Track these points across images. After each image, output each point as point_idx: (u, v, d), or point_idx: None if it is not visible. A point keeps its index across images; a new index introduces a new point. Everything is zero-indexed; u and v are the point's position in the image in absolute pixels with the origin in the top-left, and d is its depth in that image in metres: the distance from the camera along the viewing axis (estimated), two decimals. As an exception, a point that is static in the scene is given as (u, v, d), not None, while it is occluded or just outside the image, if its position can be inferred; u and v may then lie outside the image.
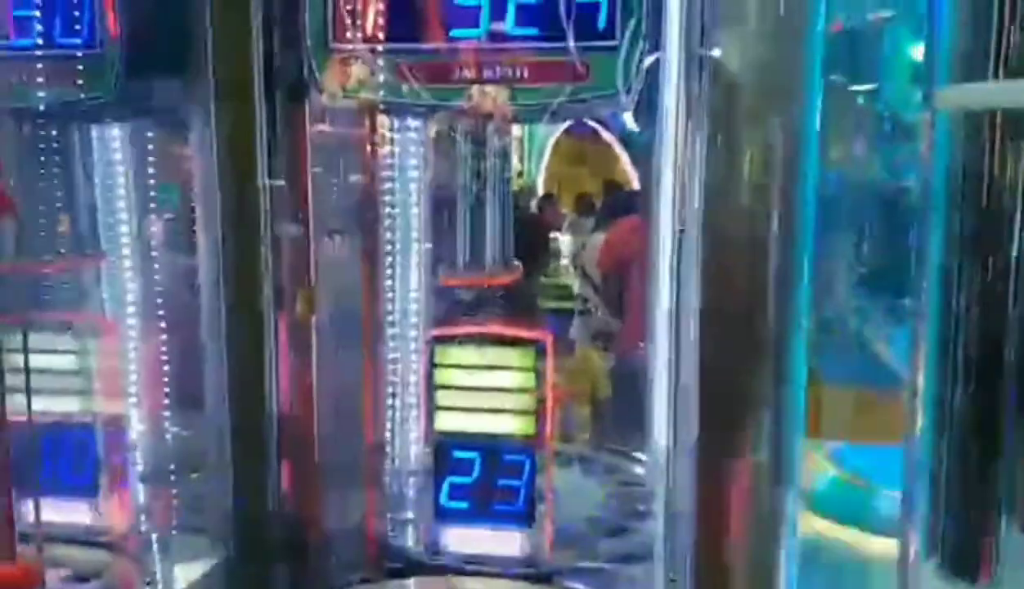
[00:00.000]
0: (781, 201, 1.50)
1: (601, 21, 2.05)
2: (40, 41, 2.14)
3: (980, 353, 1.00)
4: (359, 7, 2.16)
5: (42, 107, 2.18)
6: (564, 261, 6.78)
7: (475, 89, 2.17)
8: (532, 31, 2.09)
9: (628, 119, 3.15)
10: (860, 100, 2.45)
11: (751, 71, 1.60)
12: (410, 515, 2.48)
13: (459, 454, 2.31)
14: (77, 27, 2.16)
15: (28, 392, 1.74)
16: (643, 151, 2.49)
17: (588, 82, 2.12)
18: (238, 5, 2.09)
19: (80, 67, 2.14)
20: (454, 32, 2.13)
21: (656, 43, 2.12)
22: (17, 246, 1.88)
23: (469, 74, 2.17)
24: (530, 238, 5.49)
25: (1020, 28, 0.95)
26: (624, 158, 8.24)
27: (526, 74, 2.13)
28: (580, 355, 4.12)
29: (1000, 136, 0.94)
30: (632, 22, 2.06)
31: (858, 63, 2.28)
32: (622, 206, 5.42)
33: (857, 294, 2.25)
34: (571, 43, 2.08)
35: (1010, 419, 0.98)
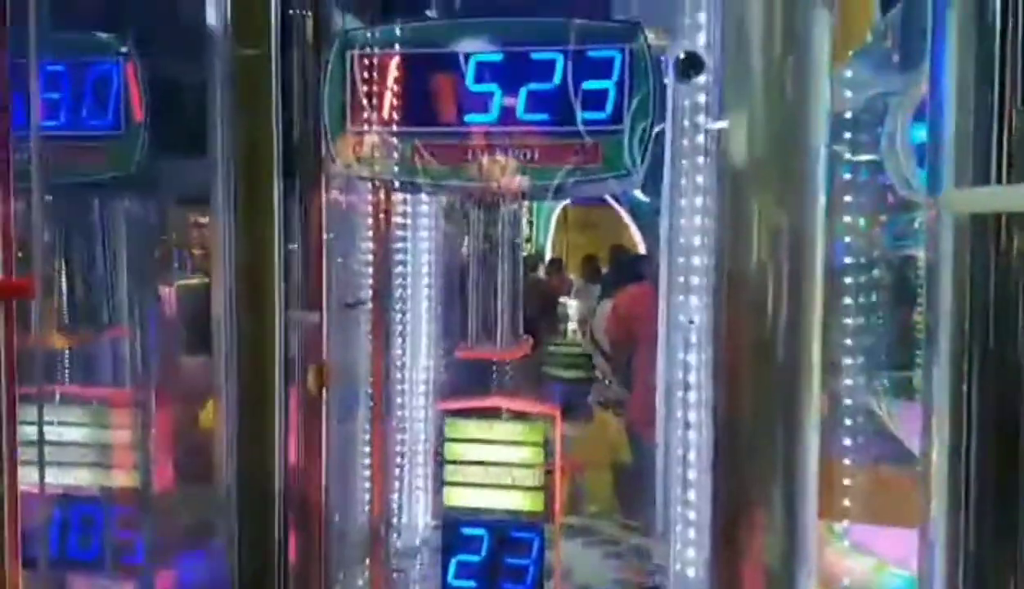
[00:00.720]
0: (791, 279, 1.52)
1: (609, 106, 2.11)
2: (68, 123, 2.22)
3: (994, 435, 1.00)
4: (375, 89, 2.23)
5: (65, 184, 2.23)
6: (572, 325, 6.78)
7: (486, 159, 2.22)
8: (543, 116, 2.15)
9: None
10: (864, 175, 2.49)
11: (758, 148, 1.63)
12: (417, 591, 2.45)
13: (467, 531, 2.29)
14: (103, 111, 2.24)
15: (41, 464, 1.74)
16: (650, 218, 2.53)
17: (598, 163, 2.17)
18: (258, 88, 2.17)
19: (105, 148, 2.21)
20: (468, 117, 2.19)
21: (662, 118, 2.18)
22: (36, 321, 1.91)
23: (483, 156, 2.22)
24: (539, 304, 5.53)
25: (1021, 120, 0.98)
26: (631, 224, 8.31)
27: (536, 155, 2.18)
28: (597, 422, 4.09)
29: (1006, 234, 0.97)
30: (638, 102, 2.11)
31: (860, 138, 2.32)
32: (629, 272, 5.45)
33: (865, 369, 2.24)
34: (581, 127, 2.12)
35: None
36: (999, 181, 0.95)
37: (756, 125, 1.54)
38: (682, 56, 1.97)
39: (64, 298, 2.44)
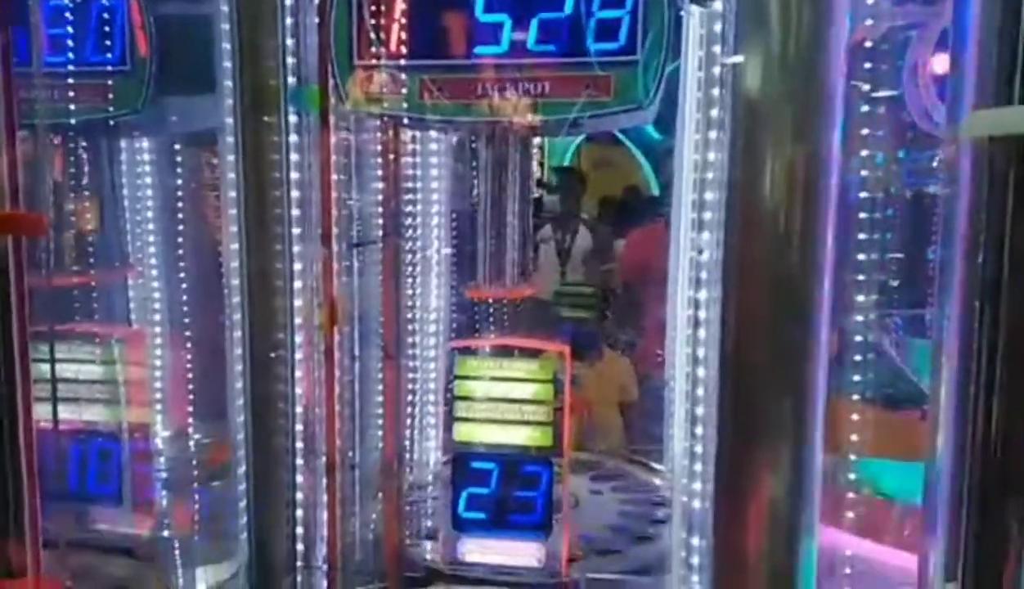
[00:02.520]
0: (803, 214, 1.49)
1: (622, 36, 2.06)
2: (73, 58, 2.19)
3: (1005, 372, 0.99)
4: (383, 23, 2.18)
5: (73, 122, 2.22)
6: (586, 267, 6.76)
7: (497, 97, 2.19)
8: (554, 47, 2.10)
9: (649, 127, 3.15)
10: (882, 109, 2.44)
11: (773, 82, 1.59)
12: (428, 525, 2.49)
13: (477, 465, 2.32)
14: (108, 44, 2.20)
15: (55, 401, 1.76)
16: (664, 158, 2.49)
17: (610, 96, 2.13)
18: (264, 22, 2.13)
19: (111, 83, 2.19)
20: (477, 49, 2.15)
21: (677, 53, 2.13)
22: (47, 260, 1.92)
23: (493, 89, 2.18)
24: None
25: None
26: (645, 164, 8.22)
27: (548, 89, 2.14)
28: (608, 361, 4.10)
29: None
30: (652, 34, 2.06)
31: (880, 71, 2.26)
32: (642, 212, 5.42)
33: (879, 305, 2.23)
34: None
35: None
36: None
37: (771, 57, 1.50)
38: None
39: (75, 237, 2.44)
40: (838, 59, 1.60)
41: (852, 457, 1.99)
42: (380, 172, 2.47)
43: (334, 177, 2.24)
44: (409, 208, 2.65)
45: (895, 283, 2.15)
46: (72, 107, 2.20)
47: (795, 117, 1.47)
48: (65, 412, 2.35)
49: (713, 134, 1.90)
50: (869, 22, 1.90)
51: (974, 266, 0.97)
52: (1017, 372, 0.95)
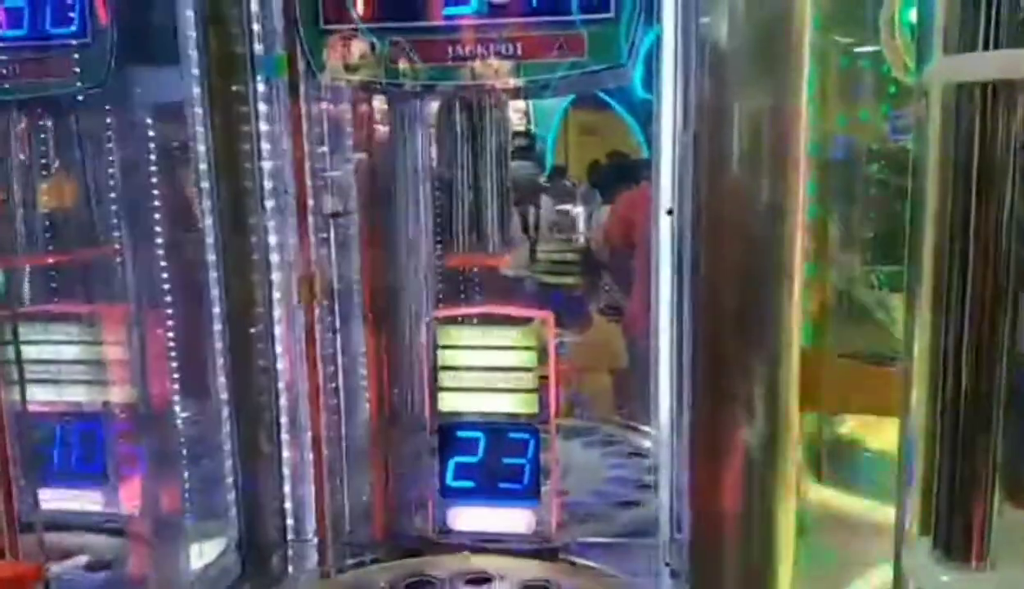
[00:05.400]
0: (775, 170, 1.47)
1: (595, -8, 2.01)
2: (31, 32, 2.13)
3: (974, 327, 0.98)
4: (349, -14, 2.13)
5: (36, 98, 2.18)
6: (575, 234, 6.74)
7: (477, 62, 2.15)
8: (528, 5, 2.05)
9: (637, 87, 3.12)
10: (863, 63, 2.40)
11: (739, 37, 1.55)
12: (417, 495, 2.49)
13: (463, 434, 2.32)
14: (70, 15, 2.15)
15: (22, 383, 1.74)
16: (652, 120, 2.46)
17: (584, 55, 2.09)
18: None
19: (73, 57, 2.14)
20: (448, 10, 2.10)
21: (651, 13, 2.08)
22: (16, 240, 1.89)
23: (466, 51, 2.14)
24: (539, 212, 5.47)
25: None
26: (634, 126, 8.16)
27: (521, 50, 2.10)
28: (596, 327, 4.10)
29: (992, 106, 0.91)
30: (630, -9, 2.02)
31: (858, 24, 2.23)
32: (629, 176, 5.37)
33: (859, 261, 2.22)
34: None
35: (1003, 396, 0.96)
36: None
37: (735, 9, 1.46)
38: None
39: (47, 215, 2.41)
40: (804, 7, 1.56)
41: (836, 414, 1.99)
42: (354, 140, 2.43)
43: (307, 147, 2.20)
44: (386, 177, 2.61)
45: (878, 239, 2.13)
46: (33, 82, 2.15)
47: (760, 68, 1.44)
48: (47, 393, 2.34)
49: (691, 94, 1.86)
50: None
51: (943, 218, 0.95)
52: (986, 324, 0.94)
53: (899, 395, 1.21)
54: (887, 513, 1.57)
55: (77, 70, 2.15)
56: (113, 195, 2.50)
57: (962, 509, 0.95)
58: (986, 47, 0.90)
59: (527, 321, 2.31)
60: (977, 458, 0.94)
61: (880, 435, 1.95)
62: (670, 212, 1.63)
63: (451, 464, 2.33)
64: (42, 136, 2.42)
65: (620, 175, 5.64)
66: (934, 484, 1.02)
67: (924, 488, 1.05)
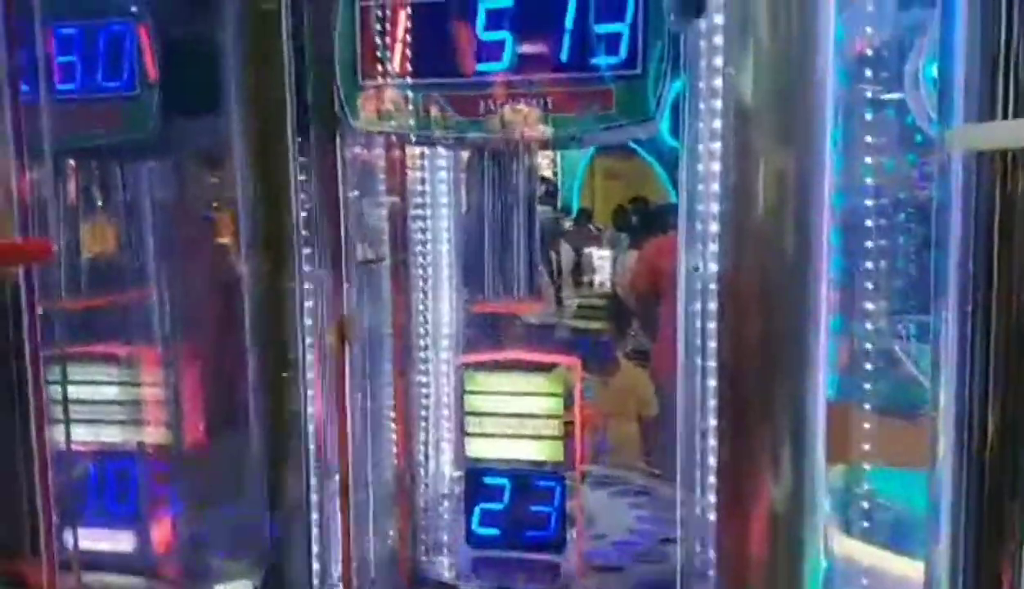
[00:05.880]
0: (798, 223, 1.49)
1: (623, 49, 2.07)
2: (82, 85, 2.23)
3: (998, 380, 0.99)
4: (386, 41, 2.21)
5: (84, 147, 2.27)
6: (600, 276, 6.75)
7: (507, 108, 2.20)
8: (557, 61, 2.11)
9: (664, 134, 3.16)
10: (888, 114, 2.42)
11: (761, 92, 1.59)
12: (443, 540, 2.50)
13: (489, 481, 2.33)
14: (117, 72, 2.25)
15: (67, 423, 1.79)
16: (678, 167, 2.49)
17: (616, 109, 2.14)
18: (268, 41, 2.16)
19: (121, 109, 2.23)
20: (480, 66, 2.16)
21: (677, 64, 2.13)
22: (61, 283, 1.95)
23: (497, 105, 2.19)
24: (565, 257, 5.51)
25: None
26: (661, 173, 8.20)
27: (552, 104, 2.15)
28: (624, 373, 4.08)
29: (1013, 170, 0.94)
30: (654, 47, 2.07)
31: (884, 77, 2.25)
32: (655, 222, 5.40)
33: (890, 312, 2.21)
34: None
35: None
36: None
37: (760, 64, 1.50)
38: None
39: (88, 261, 2.48)
40: (827, 61, 1.59)
41: (866, 466, 1.97)
42: (387, 188, 2.49)
43: (342, 195, 2.26)
44: (418, 224, 2.67)
45: (906, 289, 2.13)
46: (83, 133, 2.25)
47: (784, 122, 1.47)
48: (83, 433, 2.39)
49: (714, 146, 1.89)
50: (869, 30, 1.90)
51: (966, 273, 0.97)
52: (1011, 378, 0.95)
53: (926, 448, 1.21)
54: (916, 567, 1.55)
55: (125, 121, 2.24)
56: (152, 240, 2.58)
57: (991, 565, 0.95)
58: (1005, 112, 0.93)
59: (553, 367, 2.33)
60: (1006, 512, 0.94)
61: (909, 488, 1.93)
62: (696, 269, 1.64)
63: (477, 511, 2.34)
64: (85, 183, 2.51)
65: (646, 220, 5.68)
66: (961, 539, 1.02)
67: (953, 543, 1.05)
